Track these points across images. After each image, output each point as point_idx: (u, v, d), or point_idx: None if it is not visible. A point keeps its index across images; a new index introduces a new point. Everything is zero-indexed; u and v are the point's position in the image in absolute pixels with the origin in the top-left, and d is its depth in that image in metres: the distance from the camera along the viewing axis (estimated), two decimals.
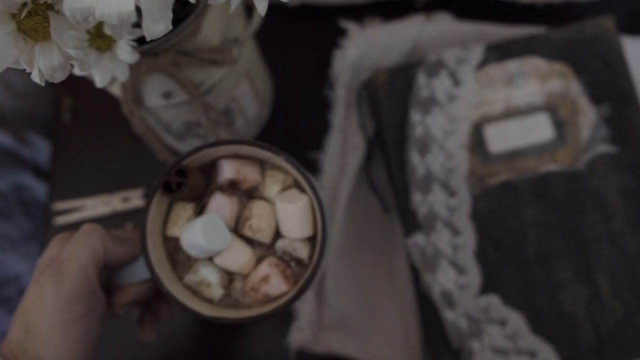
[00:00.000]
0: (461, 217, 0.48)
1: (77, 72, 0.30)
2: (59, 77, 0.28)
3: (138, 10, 0.24)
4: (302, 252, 0.35)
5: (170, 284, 0.35)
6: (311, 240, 0.36)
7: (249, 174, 0.36)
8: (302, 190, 0.36)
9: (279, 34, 0.57)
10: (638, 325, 0.45)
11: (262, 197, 0.37)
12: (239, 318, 0.34)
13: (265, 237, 0.36)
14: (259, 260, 0.36)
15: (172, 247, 0.37)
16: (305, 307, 0.51)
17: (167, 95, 0.43)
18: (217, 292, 0.36)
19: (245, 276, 0.36)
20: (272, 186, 0.36)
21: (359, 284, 0.52)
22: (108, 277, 0.36)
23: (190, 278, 0.36)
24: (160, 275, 0.34)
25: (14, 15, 0.25)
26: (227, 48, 0.41)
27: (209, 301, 0.36)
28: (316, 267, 0.34)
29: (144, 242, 0.35)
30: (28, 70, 0.27)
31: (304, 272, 0.35)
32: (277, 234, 0.36)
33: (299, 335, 0.51)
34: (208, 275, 0.35)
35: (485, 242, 0.48)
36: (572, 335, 0.46)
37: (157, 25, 0.24)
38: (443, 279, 0.47)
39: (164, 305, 0.39)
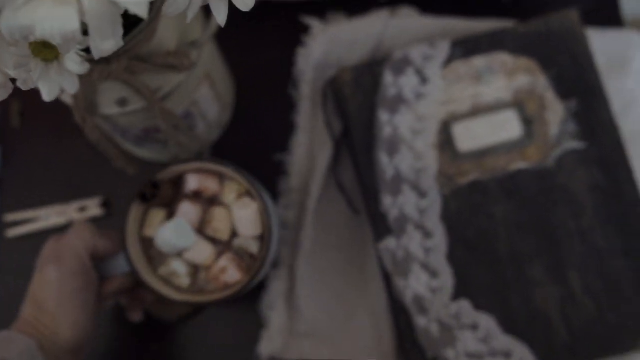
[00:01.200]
0: (432, 218, 0.47)
1: (22, 87, 0.27)
2: (0, 97, 0.25)
3: (84, 25, 0.22)
4: (254, 247, 0.43)
5: (147, 275, 0.42)
6: (261, 238, 0.43)
7: (209, 185, 0.44)
8: (252, 197, 0.44)
9: (240, 33, 0.54)
10: (610, 322, 0.45)
11: (221, 204, 0.44)
12: (203, 301, 0.42)
13: (223, 236, 0.43)
14: (219, 255, 0.43)
15: (148, 245, 0.44)
16: (276, 314, 0.50)
17: (122, 102, 0.40)
18: (185, 281, 0.43)
19: (207, 268, 0.43)
20: (229, 195, 0.44)
21: (330, 289, 0.50)
22: (96, 268, 0.43)
23: (163, 270, 0.43)
24: (138, 268, 0.42)
25: None
26: (184, 52, 0.39)
27: (179, 289, 0.43)
28: (264, 259, 0.42)
29: (124, 241, 0.42)
30: None
31: (255, 264, 0.43)
32: (234, 234, 0.44)
33: (270, 344, 0.49)
34: (178, 268, 0.43)
35: (457, 243, 0.47)
36: (545, 334, 0.46)
37: (106, 43, 0.22)
38: (415, 284, 0.47)
39: (146, 292, 0.47)
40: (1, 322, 0.50)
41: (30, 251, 0.51)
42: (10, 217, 0.52)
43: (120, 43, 0.22)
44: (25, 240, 0.52)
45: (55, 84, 0.31)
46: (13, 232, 0.52)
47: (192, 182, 0.43)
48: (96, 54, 0.22)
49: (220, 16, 0.25)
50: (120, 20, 0.21)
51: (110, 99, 0.40)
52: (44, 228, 0.52)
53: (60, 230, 0.52)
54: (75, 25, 0.20)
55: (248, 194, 0.44)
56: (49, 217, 0.52)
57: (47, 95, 0.31)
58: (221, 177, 0.44)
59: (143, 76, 0.39)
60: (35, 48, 0.30)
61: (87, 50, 0.32)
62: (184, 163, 0.43)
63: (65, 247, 0.42)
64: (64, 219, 0.52)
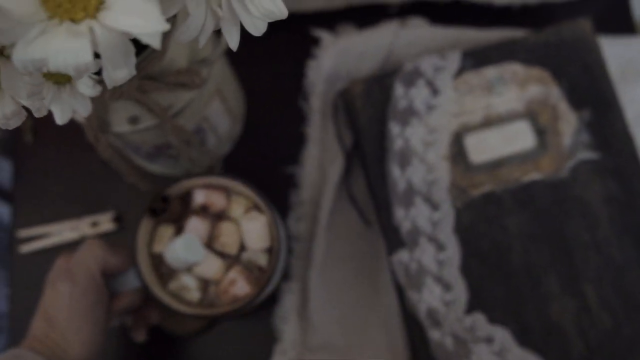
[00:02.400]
0: (445, 231, 0.47)
1: (35, 114, 0.27)
2: (14, 124, 0.25)
3: (97, 54, 0.22)
4: (262, 260, 0.43)
5: (157, 290, 0.42)
6: (269, 250, 0.44)
7: (216, 200, 0.44)
8: (260, 210, 0.44)
9: (249, 45, 0.54)
10: (627, 335, 0.45)
11: (228, 218, 0.44)
12: (214, 314, 0.42)
13: (232, 250, 0.44)
14: (228, 269, 0.43)
15: (157, 261, 0.44)
16: (288, 328, 0.50)
17: (133, 120, 0.40)
18: (195, 295, 0.43)
19: (217, 282, 0.43)
20: (236, 209, 0.44)
21: (343, 302, 0.50)
22: (106, 285, 0.43)
23: (173, 285, 0.43)
24: (149, 283, 0.42)
25: None
26: (195, 70, 0.39)
27: (189, 303, 0.43)
28: (273, 271, 0.42)
29: (134, 256, 0.42)
30: None
31: (264, 276, 0.43)
32: (242, 247, 0.44)
33: (283, 358, 0.49)
34: (188, 282, 0.43)
35: (470, 256, 0.47)
36: (561, 347, 0.45)
37: (120, 72, 0.22)
38: (429, 297, 0.46)
39: (152, 310, 0.47)
40: (15, 336, 0.51)
41: (44, 266, 0.51)
42: (24, 232, 0.52)
43: (133, 72, 0.22)
44: (39, 256, 0.52)
45: (67, 107, 0.31)
46: (27, 248, 0.52)
47: (199, 197, 0.44)
48: (109, 83, 0.22)
49: (233, 41, 0.25)
50: (132, 50, 0.21)
51: (122, 117, 0.40)
52: (57, 243, 0.52)
53: (73, 245, 0.52)
54: (88, 58, 0.20)
55: (256, 207, 0.44)
56: (61, 232, 0.52)
57: (59, 119, 0.31)
58: (228, 192, 0.45)
59: (154, 94, 0.39)
60: (47, 72, 0.30)
61: (99, 72, 0.33)
62: (191, 178, 0.44)
63: (77, 263, 0.42)
64: (76, 234, 0.52)
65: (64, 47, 0.20)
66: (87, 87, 0.31)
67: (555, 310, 0.46)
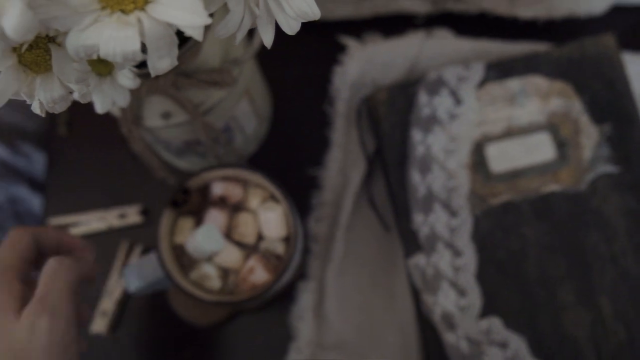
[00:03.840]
0: (462, 237, 0.48)
1: (80, 100, 0.29)
2: (59, 108, 0.27)
3: (143, 45, 0.23)
4: (279, 249, 0.45)
5: (180, 279, 0.44)
6: (286, 240, 0.45)
7: (234, 192, 0.46)
8: (277, 200, 0.46)
9: (279, 49, 0.56)
10: None
11: (246, 209, 0.46)
12: (234, 301, 0.43)
13: (250, 239, 0.45)
14: (247, 258, 0.45)
15: (178, 252, 0.45)
16: (304, 326, 0.51)
17: (166, 115, 0.42)
18: (216, 283, 0.45)
19: (236, 271, 0.45)
20: (253, 200, 0.46)
21: (359, 303, 0.51)
22: (125, 275, 0.43)
23: (194, 274, 0.45)
24: (171, 273, 0.43)
25: (14, 49, 0.24)
26: (227, 69, 0.40)
27: (210, 291, 0.45)
28: (290, 259, 0.43)
29: (158, 246, 0.43)
30: (28, 102, 0.26)
31: (281, 265, 0.45)
32: (260, 237, 0.46)
33: (298, 356, 0.50)
34: (209, 271, 0.45)
35: (487, 263, 0.47)
36: (574, 358, 0.46)
37: (163, 62, 0.23)
38: (444, 301, 0.47)
39: (87, 311, 0.42)
40: None
41: None
42: (54, 221, 0.54)
43: (175, 62, 0.23)
44: None
45: (107, 97, 0.33)
46: None
47: (218, 189, 0.45)
48: (153, 72, 0.23)
49: (267, 38, 0.27)
50: (176, 41, 0.23)
51: (155, 112, 0.42)
52: (85, 232, 0.54)
53: (101, 234, 0.54)
54: (136, 46, 0.22)
55: (272, 197, 0.46)
56: (89, 222, 0.54)
57: (100, 108, 0.33)
58: (245, 184, 0.47)
59: (187, 91, 0.41)
60: (90, 63, 0.32)
61: (138, 66, 0.34)
62: (210, 170, 0.45)
63: (51, 293, 0.34)
64: (104, 224, 0.54)
65: (114, 35, 0.22)
66: (127, 79, 0.33)
67: (570, 321, 0.46)
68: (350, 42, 0.56)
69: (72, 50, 0.22)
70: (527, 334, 0.46)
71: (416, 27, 0.56)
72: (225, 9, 0.25)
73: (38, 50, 0.24)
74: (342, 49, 0.56)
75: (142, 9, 0.22)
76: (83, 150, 0.56)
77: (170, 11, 0.22)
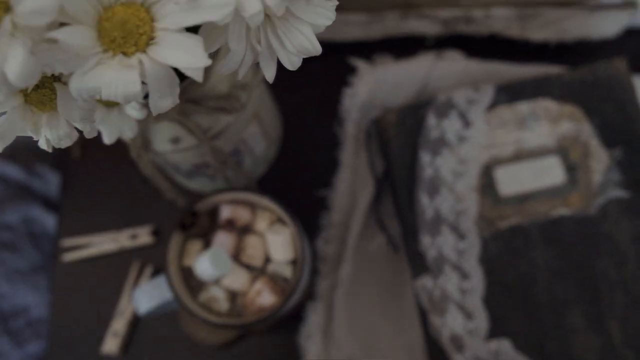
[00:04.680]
0: (470, 260, 0.48)
1: (87, 136, 0.30)
2: (65, 144, 0.28)
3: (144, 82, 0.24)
4: (287, 272, 0.45)
5: (188, 301, 0.44)
6: (293, 262, 0.46)
7: (242, 215, 0.46)
8: (284, 223, 0.46)
9: (288, 72, 0.56)
10: None
11: (254, 232, 0.47)
12: (241, 323, 0.43)
13: (258, 262, 0.46)
14: (254, 280, 0.45)
15: (187, 274, 0.46)
16: (313, 346, 0.51)
17: (175, 140, 0.43)
18: (224, 305, 0.45)
19: (244, 293, 0.45)
20: (261, 222, 0.46)
21: (367, 323, 0.51)
22: (134, 298, 0.44)
23: (202, 296, 0.45)
24: (180, 294, 0.44)
25: (21, 90, 0.25)
26: (235, 96, 0.41)
27: (218, 313, 0.45)
28: (297, 282, 0.43)
29: (167, 269, 0.44)
30: (35, 139, 0.27)
31: (288, 287, 0.45)
32: (267, 259, 0.46)
33: None
34: (216, 293, 0.45)
35: (495, 287, 0.47)
36: None
37: (164, 101, 0.24)
38: (452, 322, 0.47)
39: None
40: (54, 343, 0.53)
41: (84, 275, 0.54)
42: (67, 242, 0.55)
43: (176, 100, 0.24)
44: (80, 264, 0.55)
45: (115, 127, 0.34)
46: (69, 257, 0.55)
47: (226, 212, 0.46)
48: (154, 111, 0.24)
49: (269, 73, 0.27)
50: (177, 82, 0.23)
51: (164, 137, 0.43)
52: (97, 254, 0.54)
53: (113, 255, 0.54)
54: (137, 88, 0.22)
55: (280, 220, 0.47)
56: (102, 243, 0.55)
57: (107, 139, 0.34)
58: (253, 207, 0.47)
59: (195, 117, 0.41)
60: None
61: (147, 96, 0.35)
62: (218, 194, 0.46)
63: None
64: (116, 245, 0.54)
65: (116, 78, 0.22)
66: (134, 110, 0.33)
67: (579, 345, 0.46)
68: (360, 64, 0.56)
69: (75, 92, 0.23)
70: (536, 357, 0.46)
71: (426, 49, 0.56)
72: (226, 47, 0.25)
73: (44, 90, 0.25)
74: (352, 70, 0.57)
75: (144, 51, 0.23)
76: (96, 171, 0.57)
77: (171, 53, 0.23)
